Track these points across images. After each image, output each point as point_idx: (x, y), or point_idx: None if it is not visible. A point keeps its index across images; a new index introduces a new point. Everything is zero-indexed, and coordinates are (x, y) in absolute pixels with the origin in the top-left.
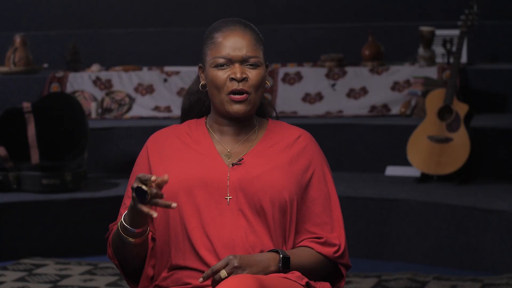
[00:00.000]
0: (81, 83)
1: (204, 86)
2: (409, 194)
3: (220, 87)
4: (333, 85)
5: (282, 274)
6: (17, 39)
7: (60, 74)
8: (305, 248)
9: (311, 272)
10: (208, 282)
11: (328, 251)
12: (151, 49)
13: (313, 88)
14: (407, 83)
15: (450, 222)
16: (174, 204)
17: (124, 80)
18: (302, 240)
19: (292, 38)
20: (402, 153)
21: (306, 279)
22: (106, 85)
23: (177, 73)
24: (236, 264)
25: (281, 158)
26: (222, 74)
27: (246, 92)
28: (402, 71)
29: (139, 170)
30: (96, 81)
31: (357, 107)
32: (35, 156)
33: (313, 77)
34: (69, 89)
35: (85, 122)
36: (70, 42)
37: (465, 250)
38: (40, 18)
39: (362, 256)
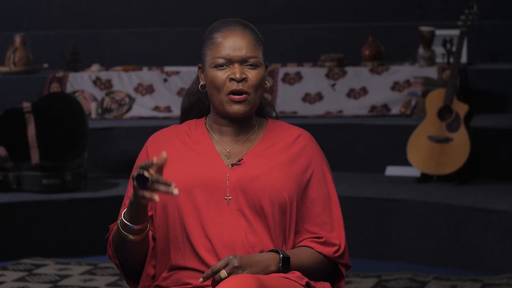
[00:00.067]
0: (81, 83)
1: (203, 86)
2: (409, 194)
3: (220, 88)
4: (333, 85)
5: (282, 274)
6: (17, 39)
7: (60, 74)
8: (305, 248)
9: (311, 272)
10: (208, 282)
11: (328, 251)
12: (151, 49)
13: (313, 88)
14: (407, 83)
15: (450, 222)
16: (176, 191)
17: (124, 80)
18: (302, 240)
19: (292, 38)
20: (402, 153)
21: (306, 279)
22: (106, 85)
23: (177, 73)
24: (236, 264)
25: (280, 158)
26: (221, 75)
27: (246, 93)
28: (402, 71)
29: None
30: (96, 81)
31: (357, 107)
32: (35, 156)
33: (313, 77)
34: (69, 89)
35: (85, 122)
36: (70, 42)
37: (465, 250)
38: (40, 18)
39: (362, 256)
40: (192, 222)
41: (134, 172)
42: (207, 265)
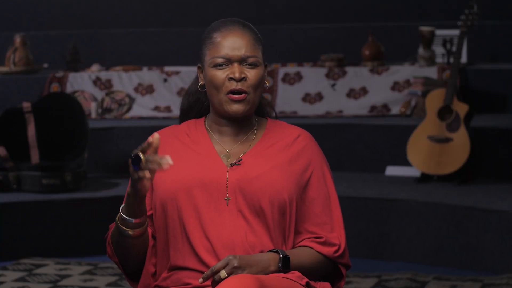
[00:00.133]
0: (81, 83)
1: (203, 86)
2: (409, 194)
3: (219, 87)
4: (333, 85)
5: (282, 274)
6: (17, 39)
7: (60, 74)
8: (305, 248)
9: (311, 272)
10: (208, 282)
11: (328, 251)
12: (151, 49)
13: (313, 88)
14: (407, 83)
15: (450, 222)
16: (169, 160)
17: (124, 80)
18: (302, 240)
19: (292, 38)
20: (402, 153)
21: (306, 279)
22: (106, 85)
23: (177, 73)
24: (236, 264)
25: (280, 157)
26: (220, 74)
27: (245, 92)
28: (402, 71)
29: None
30: (96, 81)
31: (357, 107)
32: (35, 156)
33: (313, 77)
34: (69, 89)
35: (85, 122)
36: (70, 42)
37: (465, 250)
38: (40, 18)
39: (362, 256)
40: (191, 222)
41: (130, 158)
42: (206, 266)
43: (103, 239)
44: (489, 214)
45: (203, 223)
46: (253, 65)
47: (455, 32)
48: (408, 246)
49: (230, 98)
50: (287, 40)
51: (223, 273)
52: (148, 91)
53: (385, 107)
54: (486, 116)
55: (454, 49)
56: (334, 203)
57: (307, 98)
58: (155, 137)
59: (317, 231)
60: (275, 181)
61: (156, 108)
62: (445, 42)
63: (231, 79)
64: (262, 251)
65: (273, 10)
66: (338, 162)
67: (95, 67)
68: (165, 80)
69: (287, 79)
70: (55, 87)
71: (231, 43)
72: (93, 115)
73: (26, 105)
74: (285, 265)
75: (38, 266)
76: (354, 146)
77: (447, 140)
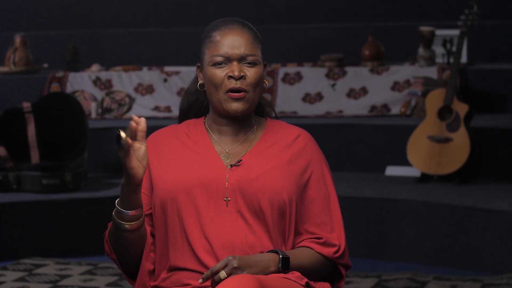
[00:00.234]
0: (81, 83)
1: (202, 85)
2: (409, 194)
3: (218, 86)
4: (333, 85)
5: (282, 275)
6: (17, 39)
7: (60, 74)
8: (305, 248)
9: (311, 272)
10: (208, 283)
11: (328, 251)
12: (151, 49)
13: (313, 88)
14: (407, 83)
15: (450, 222)
16: (138, 120)
17: (124, 80)
18: (301, 241)
19: (292, 38)
20: (402, 153)
21: (306, 279)
22: (106, 85)
23: (177, 73)
24: (235, 265)
25: (280, 158)
26: (220, 73)
27: (244, 91)
28: (402, 71)
29: None
30: (96, 81)
31: (357, 107)
32: (35, 156)
33: (313, 77)
34: (69, 89)
35: (85, 122)
36: (70, 42)
37: (465, 250)
38: (40, 18)
39: (362, 256)
40: (191, 223)
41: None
42: (206, 266)
43: (102, 239)
44: (489, 214)
45: (203, 224)
46: (252, 64)
47: (455, 32)
48: (408, 246)
49: (229, 97)
50: (287, 40)
51: (222, 274)
52: (148, 91)
53: (385, 107)
54: (486, 116)
55: (454, 49)
56: (333, 203)
57: (307, 98)
58: (139, 119)
59: (317, 232)
60: (275, 182)
61: (156, 108)
62: (445, 42)
63: (230, 77)
64: (261, 252)
65: (273, 10)
66: (338, 162)
67: (95, 67)
68: (165, 80)
69: (287, 79)
70: (55, 87)
71: (231, 41)
72: (93, 115)
73: (26, 105)
74: (285, 266)
75: (38, 266)
76: (354, 146)
77: (447, 140)
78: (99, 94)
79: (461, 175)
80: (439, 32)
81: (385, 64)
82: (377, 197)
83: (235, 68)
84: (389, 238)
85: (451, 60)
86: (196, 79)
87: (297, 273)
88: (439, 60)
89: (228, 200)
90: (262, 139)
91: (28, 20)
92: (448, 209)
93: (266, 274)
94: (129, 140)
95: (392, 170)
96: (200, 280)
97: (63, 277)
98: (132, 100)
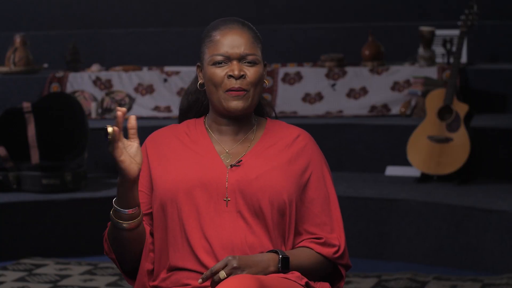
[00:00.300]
0: (81, 83)
1: (202, 85)
2: (409, 194)
3: (218, 85)
4: (333, 85)
5: (281, 275)
6: (17, 39)
7: (60, 74)
8: (305, 248)
9: (311, 272)
10: (208, 283)
11: (328, 251)
12: (151, 49)
13: (313, 88)
14: (407, 83)
15: (450, 222)
16: (120, 112)
17: (124, 80)
18: (301, 241)
19: (292, 38)
20: (402, 153)
21: (305, 279)
22: (106, 85)
23: (177, 73)
24: (235, 265)
25: (280, 158)
26: (220, 72)
27: (244, 90)
28: (402, 71)
29: None
30: (96, 81)
31: (357, 107)
32: (35, 156)
33: (313, 77)
34: (69, 89)
35: (85, 122)
36: (70, 42)
37: (465, 250)
38: (40, 18)
39: (362, 256)
40: (191, 223)
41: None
42: (205, 267)
43: (102, 238)
44: (489, 214)
45: (203, 224)
46: (252, 63)
47: (455, 32)
48: (408, 246)
49: (229, 95)
50: (287, 40)
51: (222, 274)
52: (148, 91)
53: (385, 107)
54: (486, 116)
55: (454, 49)
56: (333, 203)
57: (307, 98)
58: (122, 110)
59: (316, 232)
60: (275, 182)
61: (156, 108)
62: (445, 42)
63: (230, 76)
64: (261, 252)
65: (273, 10)
66: (338, 162)
67: (95, 67)
68: (165, 80)
69: (287, 79)
70: (55, 87)
71: (230, 41)
72: (93, 115)
73: (26, 105)
74: (285, 266)
75: (38, 266)
76: (354, 146)
77: (447, 140)
78: (99, 94)
79: (461, 175)
80: (439, 32)
81: (385, 64)
82: (377, 197)
83: (235, 68)
84: (389, 238)
85: (451, 60)
86: (196, 79)
87: (297, 273)
88: (439, 60)
89: (228, 200)
90: (262, 139)
91: (28, 20)
92: (448, 209)
93: (266, 274)
94: (116, 129)
95: (392, 170)
96: (200, 280)
97: (63, 277)
98: (132, 100)
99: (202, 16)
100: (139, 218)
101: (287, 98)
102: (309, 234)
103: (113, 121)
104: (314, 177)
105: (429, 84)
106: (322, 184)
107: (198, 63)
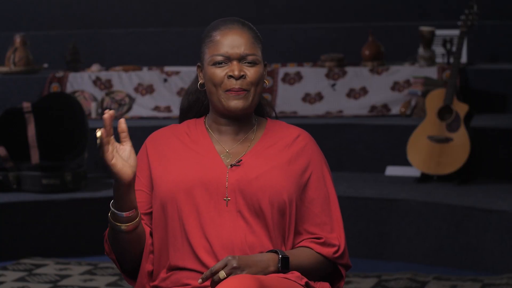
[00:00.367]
0: (81, 83)
1: (202, 85)
2: (409, 194)
3: (218, 85)
4: (333, 85)
5: (281, 274)
6: (17, 39)
7: (60, 74)
8: (305, 248)
9: (311, 272)
10: (207, 283)
11: (328, 251)
12: (151, 49)
13: (313, 88)
14: (407, 83)
15: (450, 222)
16: (107, 115)
17: (124, 80)
18: (301, 241)
19: (292, 38)
20: (402, 153)
21: (305, 279)
22: (106, 85)
23: (177, 73)
24: (235, 265)
25: (280, 157)
26: (220, 72)
27: (244, 90)
28: (402, 71)
29: (138, 169)
30: (96, 81)
31: (357, 107)
32: (35, 156)
33: (313, 77)
34: (69, 89)
35: (85, 122)
36: (70, 42)
37: (465, 250)
38: (40, 18)
39: (362, 256)
40: (191, 222)
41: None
42: (206, 266)
43: (102, 239)
44: (489, 214)
45: (203, 224)
46: (252, 63)
47: (455, 32)
48: (408, 246)
49: (229, 94)
50: (287, 40)
51: (222, 274)
52: (148, 91)
53: (385, 107)
54: (486, 116)
55: (454, 49)
56: (333, 203)
57: (307, 98)
58: (120, 120)
59: (316, 232)
60: (275, 182)
61: (156, 108)
62: (445, 42)
63: (230, 77)
64: (261, 252)
65: (273, 10)
66: (338, 162)
67: (95, 67)
68: (165, 80)
69: (287, 79)
70: (55, 87)
71: (231, 41)
72: (93, 115)
73: (26, 105)
74: (285, 266)
75: (38, 266)
76: (354, 146)
77: (447, 140)
78: (99, 94)
79: (461, 175)
80: (439, 32)
81: (385, 64)
82: (377, 197)
83: (235, 68)
84: (389, 238)
85: (451, 60)
86: (196, 79)
87: (297, 273)
88: (439, 60)
89: (228, 200)
90: (262, 139)
91: (28, 20)
92: (448, 209)
93: (266, 274)
94: (104, 133)
95: (392, 170)
96: (200, 280)
97: (63, 277)
98: (132, 100)
99: (202, 16)
100: (137, 220)
101: (287, 98)
102: (309, 234)
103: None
104: (314, 177)
105: (429, 84)
106: (322, 184)
107: (199, 63)
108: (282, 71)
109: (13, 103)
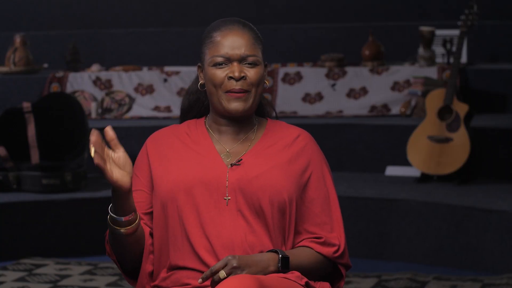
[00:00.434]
0: (81, 83)
1: (203, 85)
2: (409, 194)
3: (218, 86)
4: (333, 85)
5: (281, 274)
6: (17, 39)
7: (60, 74)
8: (305, 248)
9: (311, 272)
10: (208, 282)
11: (328, 251)
12: (151, 49)
13: (313, 88)
14: (407, 83)
15: (450, 222)
16: (93, 137)
17: (124, 80)
18: (301, 240)
19: (292, 38)
20: (402, 153)
21: (305, 279)
22: (106, 85)
23: (177, 73)
24: (235, 265)
25: (280, 157)
26: (220, 73)
27: (245, 91)
28: (402, 71)
29: (139, 169)
30: (96, 81)
31: (357, 107)
32: (35, 156)
33: (313, 77)
34: (69, 89)
35: (85, 122)
36: (70, 42)
37: (465, 250)
38: (40, 18)
39: (362, 256)
40: (192, 222)
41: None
42: (206, 265)
43: (103, 239)
44: (489, 214)
45: (203, 223)
46: (253, 64)
47: (455, 32)
48: (408, 246)
49: (229, 96)
50: (287, 40)
51: (222, 274)
52: (148, 91)
53: (385, 107)
54: (486, 116)
55: (454, 49)
56: (333, 203)
57: (307, 98)
58: (106, 129)
59: (316, 231)
60: (275, 181)
61: (156, 108)
62: (445, 42)
63: (230, 78)
64: (261, 251)
65: (273, 10)
66: (338, 162)
67: (95, 67)
68: (165, 80)
69: (287, 79)
70: (55, 87)
71: (231, 42)
72: (93, 115)
73: (26, 105)
74: (285, 265)
75: (38, 266)
76: (354, 146)
77: (447, 140)
78: (99, 94)
79: (461, 175)
80: (439, 32)
81: (385, 64)
82: (377, 197)
83: (235, 69)
84: (389, 238)
85: (451, 60)
86: (197, 79)
87: (297, 273)
88: (439, 60)
89: (228, 199)
90: (262, 138)
91: (28, 20)
92: (448, 209)
93: (266, 273)
94: (100, 162)
95: (392, 170)
96: (200, 280)
97: (63, 277)
98: (132, 100)
99: (202, 16)
100: (136, 222)
101: (287, 98)
102: (309, 233)
103: (113, 121)
104: (314, 177)
105: (429, 84)
106: (322, 183)
107: (199, 63)
108: (282, 71)
109: (13, 103)
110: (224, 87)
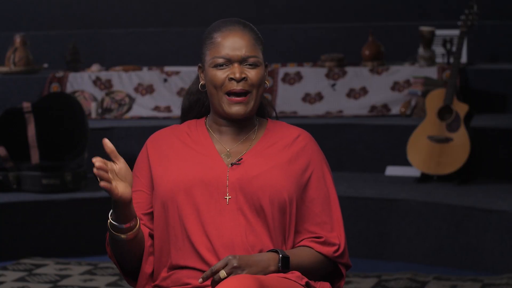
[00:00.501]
0: (81, 83)
1: (203, 86)
2: (409, 194)
3: (219, 87)
4: (333, 85)
5: (281, 274)
6: (17, 39)
7: (60, 74)
8: (305, 247)
9: (311, 271)
10: (208, 282)
11: (328, 250)
12: (151, 49)
13: (313, 88)
14: (407, 83)
15: (450, 222)
16: (96, 160)
17: (124, 80)
18: (301, 240)
19: (292, 38)
20: (402, 153)
21: (305, 279)
22: (106, 85)
23: (177, 73)
24: (235, 264)
25: (280, 157)
26: (221, 74)
27: (246, 92)
28: (402, 71)
29: (139, 170)
30: (96, 81)
31: (357, 107)
32: (35, 156)
33: (313, 77)
34: (69, 89)
35: (85, 122)
36: (70, 42)
37: (465, 250)
38: (40, 18)
39: (362, 256)
40: (192, 221)
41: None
42: (207, 265)
43: (103, 239)
44: (489, 214)
45: (204, 222)
46: (254, 65)
47: (455, 32)
48: (408, 246)
49: (230, 100)
50: (287, 40)
51: (222, 273)
52: (148, 91)
53: (385, 107)
54: (486, 116)
55: (454, 49)
56: (334, 203)
57: (307, 98)
58: (104, 142)
59: (317, 231)
60: (275, 181)
61: (156, 108)
62: (445, 42)
63: (231, 79)
64: (261, 251)
65: (273, 10)
66: (338, 162)
67: (95, 67)
68: (165, 80)
69: (287, 79)
70: (55, 87)
71: (232, 43)
72: (93, 115)
73: (26, 105)
74: (285, 265)
75: (38, 266)
76: (354, 146)
77: (447, 140)
78: (99, 94)
79: (461, 175)
80: (439, 32)
81: (385, 64)
82: (377, 197)
83: (236, 70)
84: (389, 238)
85: (451, 60)
86: (197, 79)
87: (297, 273)
88: (439, 60)
89: (229, 198)
90: (262, 138)
91: (28, 20)
92: (448, 209)
93: (266, 273)
94: (106, 186)
95: (392, 170)
96: (200, 280)
97: (63, 277)
98: (132, 100)
99: (202, 16)
100: (137, 228)
101: (287, 98)
102: (309, 233)
103: (113, 121)
104: (315, 177)
105: (429, 84)
106: (322, 183)
107: (200, 64)
108: (282, 71)
109: (13, 103)
110: (224, 88)
